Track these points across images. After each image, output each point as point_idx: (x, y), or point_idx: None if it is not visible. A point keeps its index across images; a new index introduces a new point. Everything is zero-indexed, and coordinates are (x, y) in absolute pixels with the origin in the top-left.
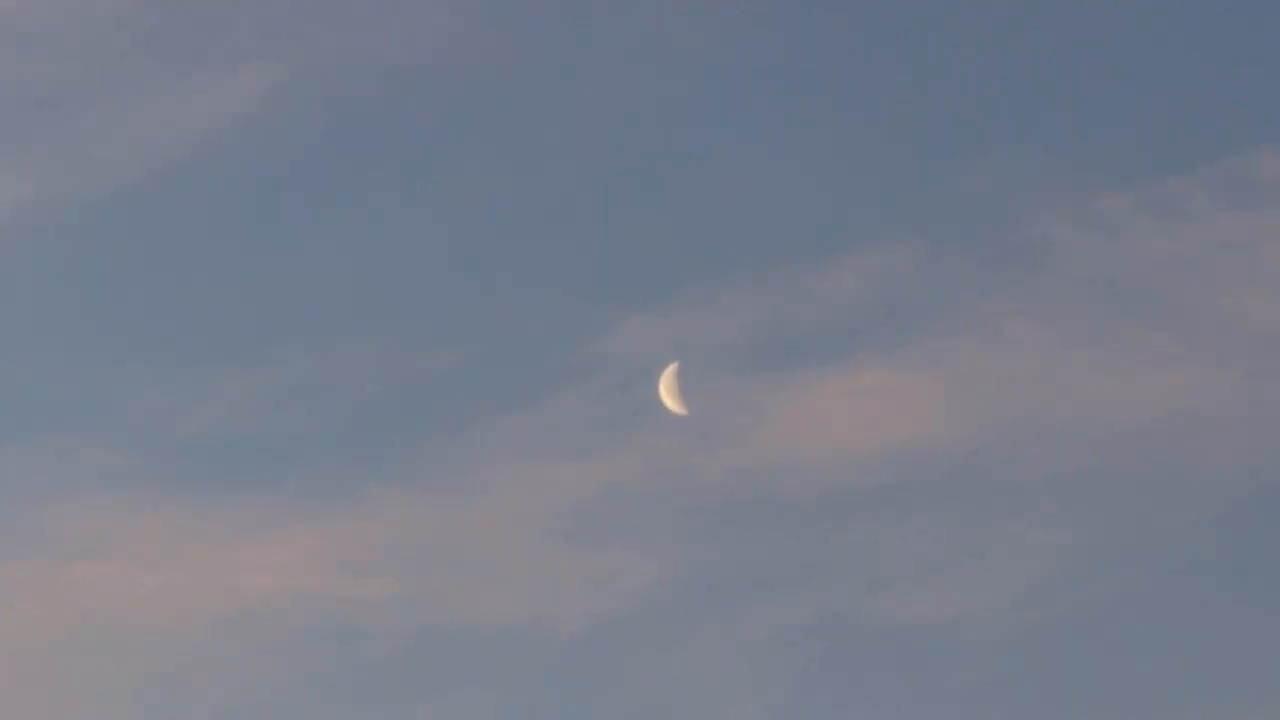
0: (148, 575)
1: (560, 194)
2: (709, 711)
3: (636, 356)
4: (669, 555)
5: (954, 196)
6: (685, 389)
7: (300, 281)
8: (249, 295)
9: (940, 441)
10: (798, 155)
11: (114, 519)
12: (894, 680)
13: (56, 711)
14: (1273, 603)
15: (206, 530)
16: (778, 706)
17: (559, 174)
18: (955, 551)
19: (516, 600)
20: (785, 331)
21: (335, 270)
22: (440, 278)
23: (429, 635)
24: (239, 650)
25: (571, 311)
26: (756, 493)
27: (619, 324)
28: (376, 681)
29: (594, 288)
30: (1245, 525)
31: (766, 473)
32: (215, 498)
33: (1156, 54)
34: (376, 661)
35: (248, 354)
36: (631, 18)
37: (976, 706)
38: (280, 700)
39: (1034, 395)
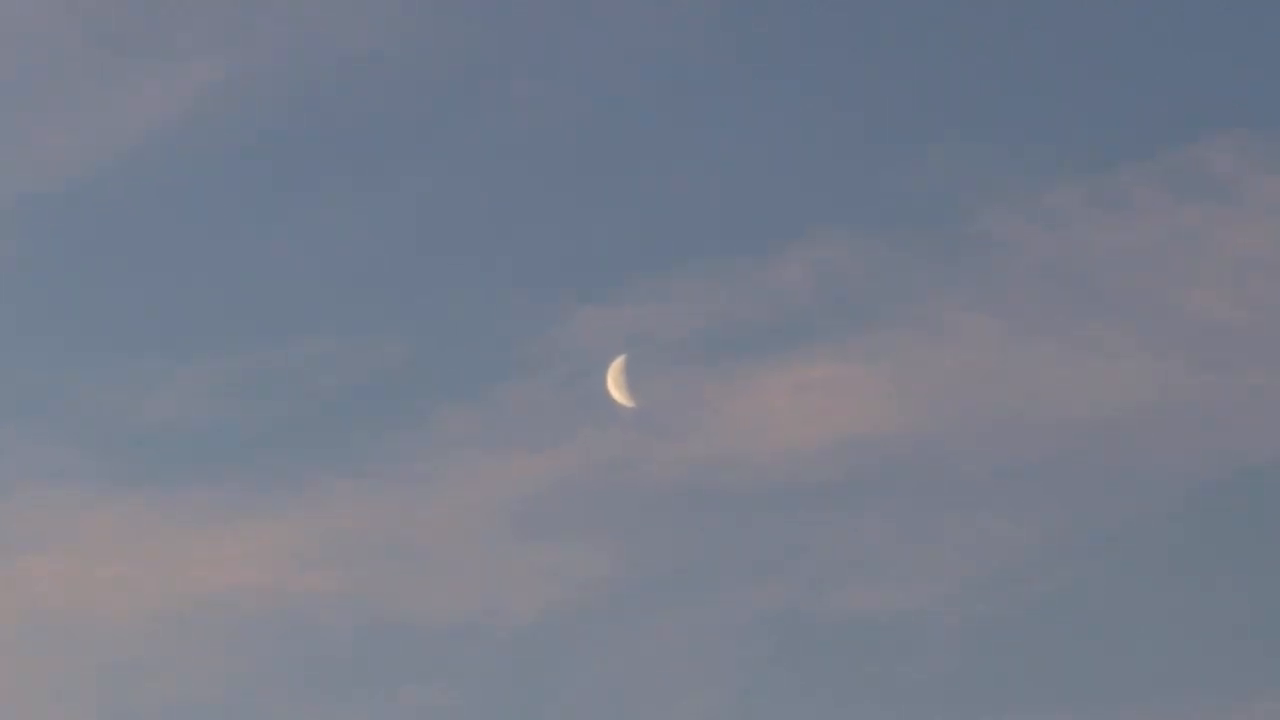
0: (97, 569)
1: (510, 186)
2: (661, 703)
3: (586, 349)
4: (620, 548)
5: (903, 189)
6: (634, 382)
7: (250, 275)
8: (199, 289)
9: (890, 434)
10: (747, 148)
11: (63, 512)
12: (846, 672)
13: (3, 704)
14: (1225, 594)
15: (156, 524)
16: (729, 698)
17: (509, 166)
18: (906, 543)
19: (466, 593)
20: (734, 324)
21: (285, 263)
22: (389, 270)
23: (377, 629)
24: (189, 644)
25: (521, 303)
26: (706, 486)
27: (569, 316)
28: (327, 675)
29: (544, 280)
30: (1197, 516)
31: (716, 465)
32: (165, 491)
33: (1105, 47)
34: (327, 655)
35: (198, 347)
36: (584, 10)
37: (930, 698)
38: (230, 693)
39: (984, 387)
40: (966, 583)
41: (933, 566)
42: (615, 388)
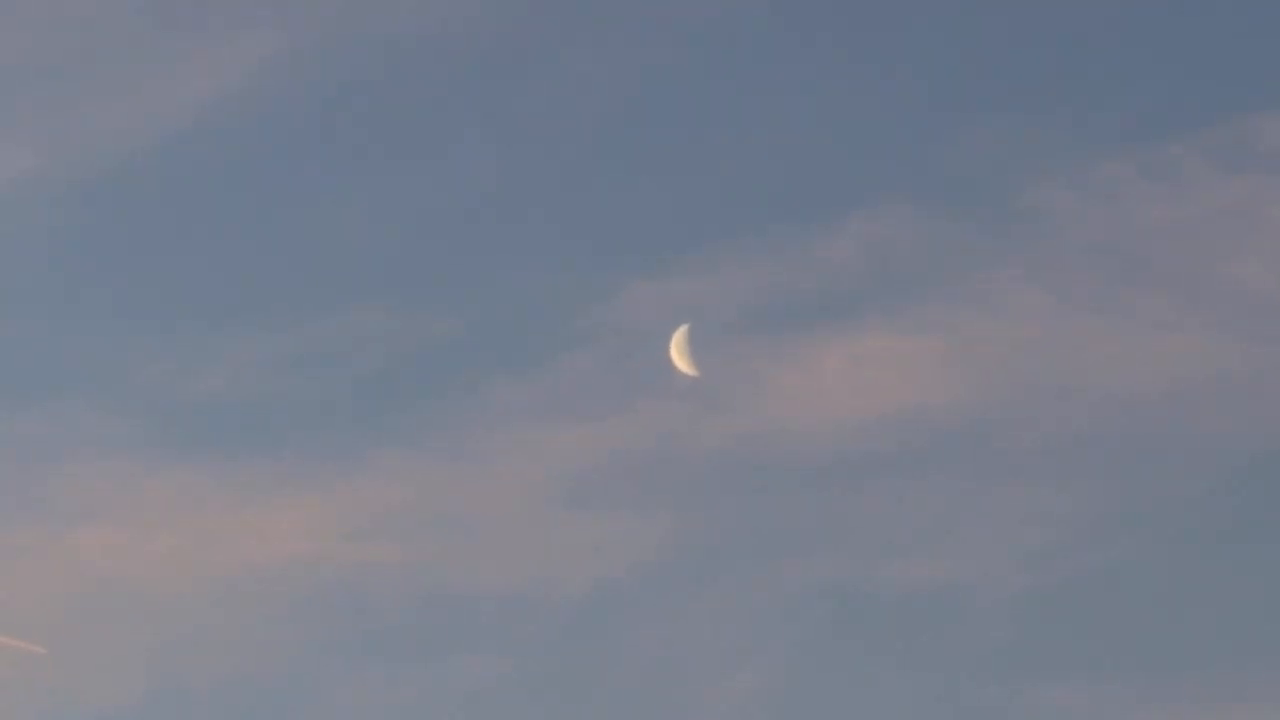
0: (151, 540)
1: (562, 161)
2: (711, 674)
3: (638, 322)
4: (671, 521)
5: (954, 164)
6: (690, 354)
7: (303, 248)
8: (251, 262)
9: (941, 407)
10: (800, 122)
11: (118, 484)
12: (896, 645)
13: (60, 675)
14: (1272, 569)
15: (210, 495)
16: (779, 672)
17: (561, 141)
18: (957, 516)
19: (519, 565)
20: (787, 297)
21: (337, 237)
22: (443, 243)
23: (431, 600)
24: (242, 615)
25: (573, 277)
26: (758, 459)
27: (620, 290)
28: (378, 646)
29: (595, 254)
30: (1244, 490)
31: (768, 439)
32: (219, 463)
33: (1156, 20)
34: (378, 627)
35: (251, 320)
36: None
37: (978, 671)
38: (282, 664)
39: (1034, 361)
40: (1016, 555)
41: (983, 539)
42: (679, 357)
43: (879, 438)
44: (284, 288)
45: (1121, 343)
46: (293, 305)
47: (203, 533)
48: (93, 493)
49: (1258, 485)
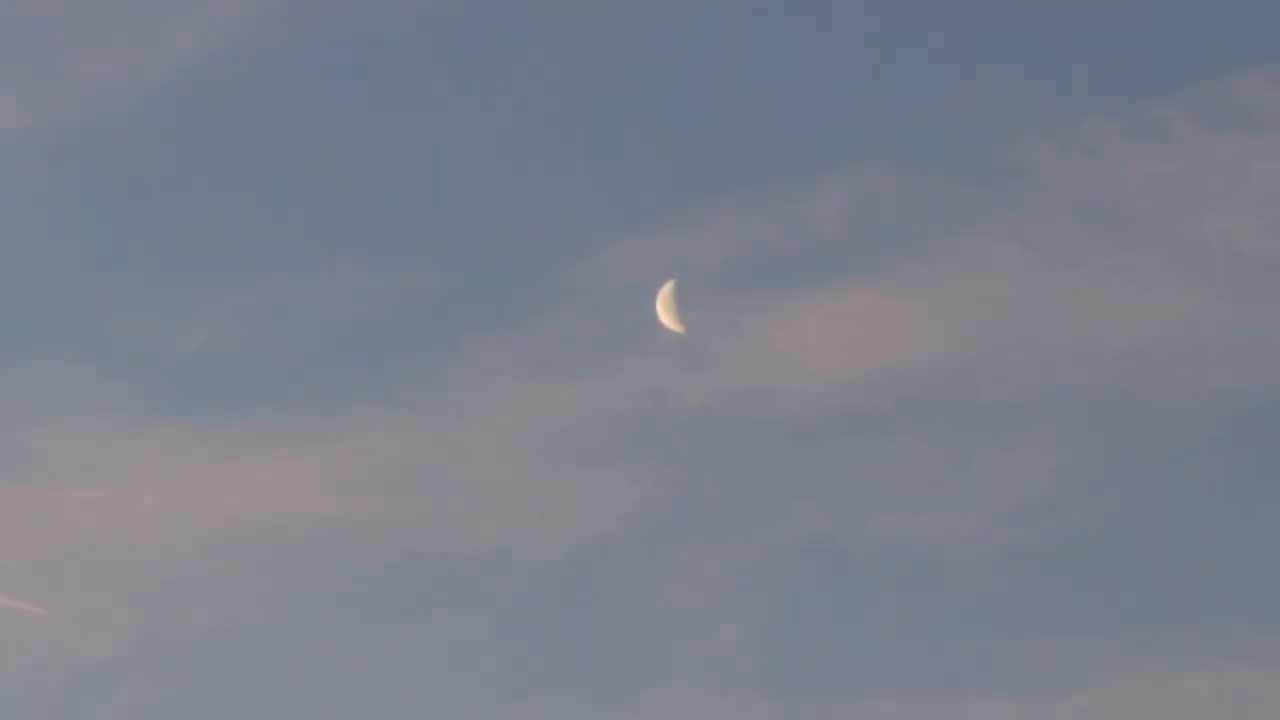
0: (135, 497)
1: (546, 116)
2: (693, 633)
3: (621, 279)
4: (653, 477)
5: (938, 120)
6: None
7: (286, 204)
8: (235, 218)
9: (924, 363)
10: (782, 79)
11: (100, 442)
12: (878, 600)
13: (45, 630)
14: (1256, 523)
15: (193, 452)
16: (762, 627)
17: (545, 96)
18: (940, 472)
19: (502, 521)
20: (770, 255)
21: (321, 193)
22: (426, 199)
23: (414, 555)
24: (225, 570)
25: (556, 233)
26: (741, 415)
27: (603, 246)
28: (361, 601)
29: (579, 210)
30: (1226, 446)
31: (751, 395)
32: (201, 419)
33: None
34: (361, 582)
35: (234, 277)
36: None
37: (960, 626)
38: (266, 619)
39: (1018, 317)
40: (1000, 511)
41: (966, 495)
42: (665, 313)
43: (861, 394)
44: (267, 244)
45: (1104, 299)
46: (275, 261)
47: (186, 489)
48: (75, 450)
49: (1239, 441)
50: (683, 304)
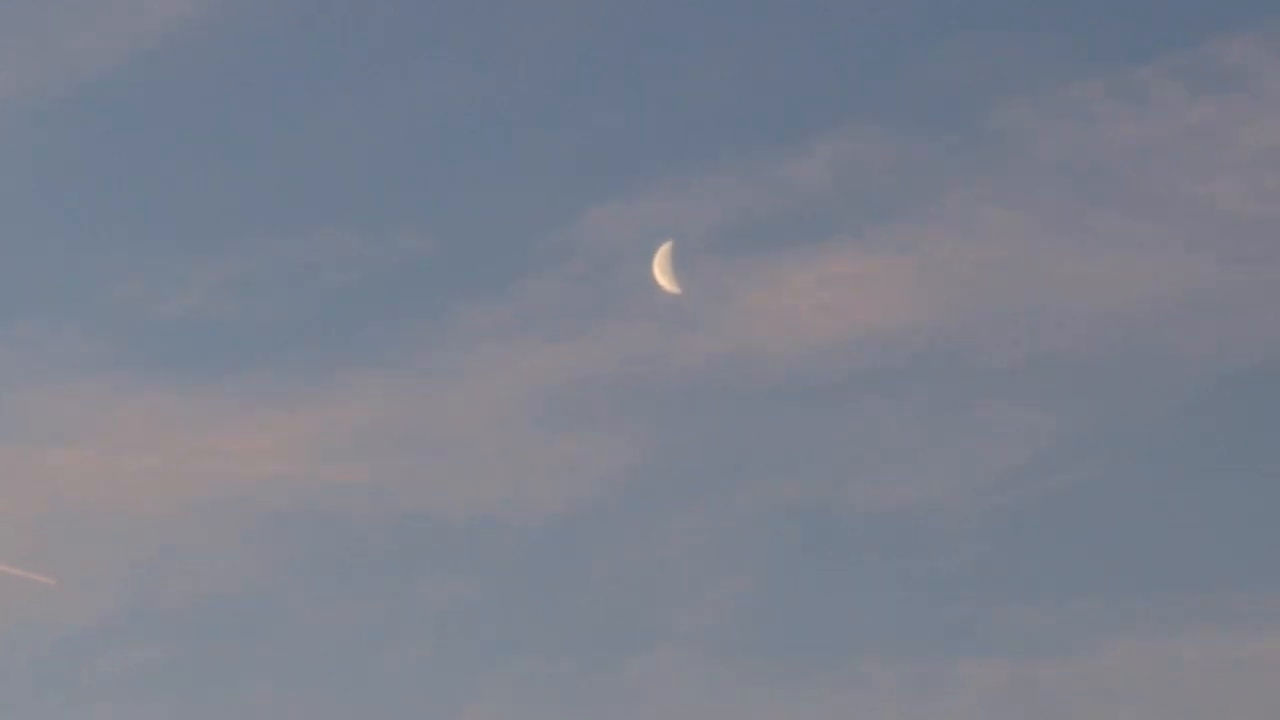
0: (123, 460)
1: (533, 81)
2: (684, 594)
3: (607, 243)
4: (642, 440)
5: (923, 83)
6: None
7: (271, 169)
8: (223, 184)
9: (912, 327)
10: (767, 42)
11: (89, 405)
12: (868, 565)
13: (33, 595)
14: (1243, 486)
15: (181, 416)
16: (750, 591)
17: (532, 61)
18: (929, 436)
19: (491, 485)
20: (756, 218)
21: (306, 158)
22: (413, 163)
23: (401, 520)
24: (214, 535)
25: (542, 197)
26: (729, 379)
27: (589, 210)
28: (349, 565)
29: (564, 174)
30: (1214, 409)
31: (738, 359)
32: (189, 384)
33: None
34: (350, 546)
35: (220, 241)
36: None
37: (949, 589)
38: (254, 583)
39: (1005, 280)
40: (989, 475)
41: (955, 459)
42: (661, 274)
43: (848, 358)
44: (252, 208)
45: (1090, 262)
46: (261, 226)
47: (174, 453)
48: (64, 414)
49: (1227, 404)
50: (674, 267)
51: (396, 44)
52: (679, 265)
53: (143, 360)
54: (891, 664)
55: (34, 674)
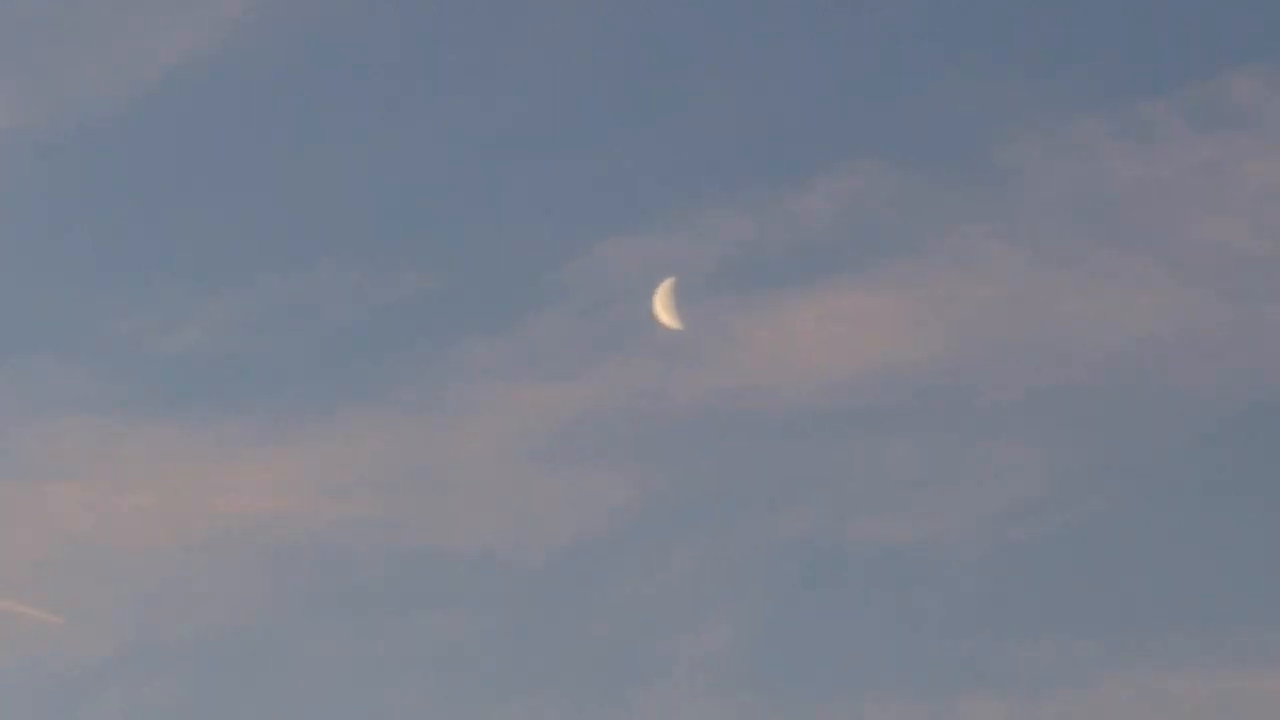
0: (125, 496)
1: (534, 116)
2: (686, 631)
3: (612, 279)
4: (645, 477)
5: (926, 119)
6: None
7: (277, 204)
8: (223, 218)
9: (916, 363)
10: (770, 78)
11: (91, 441)
12: (872, 600)
13: (36, 631)
14: (1247, 524)
15: (184, 452)
16: (754, 628)
17: (533, 96)
18: (932, 472)
19: (492, 521)
20: (759, 254)
21: (310, 193)
22: (417, 198)
23: (405, 556)
24: (217, 571)
25: (545, 234)
26: (732, 415)
27: (592, 247)
28: (353, 601)
29: (567, 210)
30: (1218, 447)
31: (742, 395)
32: (192, 420)
33: None
34: (352, 581)
35: (223, 277)
36: None
37: (954, 626)
38: (258, 619)
39: (1009, 317)
40: (992, 511)
41: (958, 495)
42: (663, 310)
43: (852, 394)
44: (255, 244)
45: (1095, 299)
46: (265, 260)
47: (177, 489)
48: (66, 450)
49: (1231, 442)
50: (676, 303)
51: (399, 82)
52: (681, 301)
53: (145, 396)
54: (894, 699)
55: (36, 711)
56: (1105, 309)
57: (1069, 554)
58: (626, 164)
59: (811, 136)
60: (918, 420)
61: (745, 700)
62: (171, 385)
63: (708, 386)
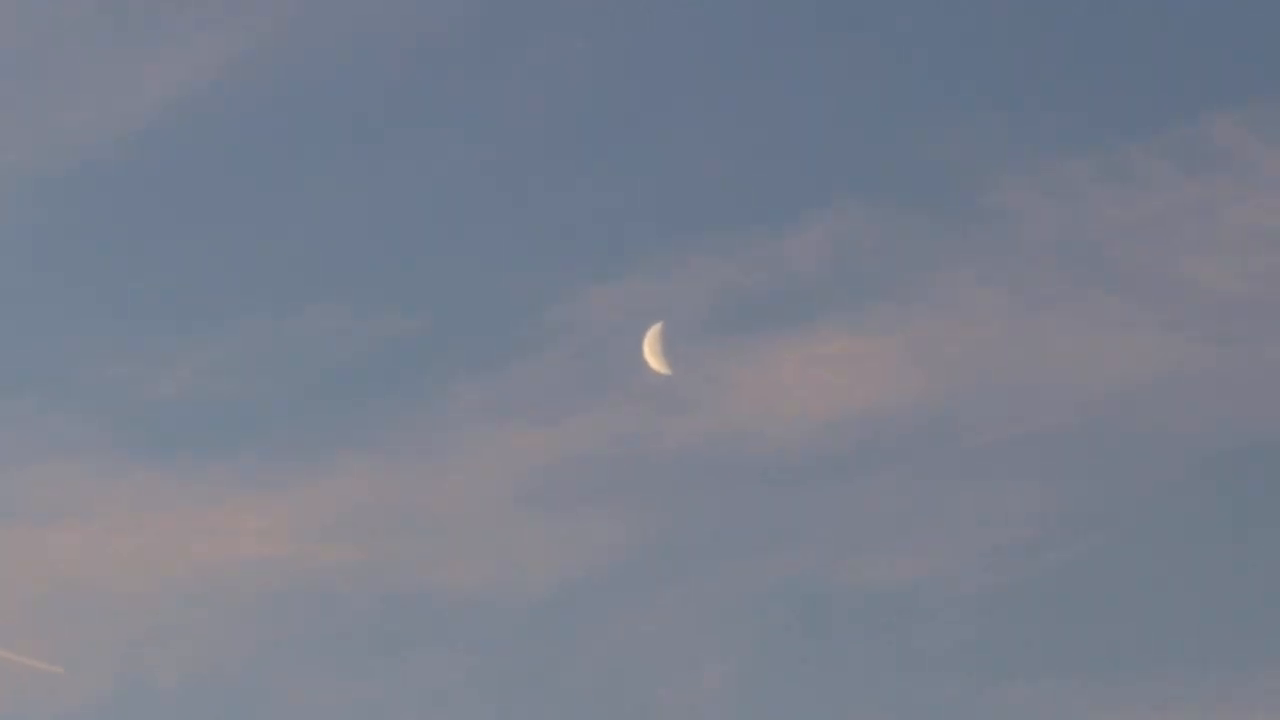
0: (115, 541)
1: (521, 160)
2: (675, 676)
3: (599, 323)
4: (633, 521)
5: (912, 162)
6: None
7: (261, 249)
8: (210, 262)
9: (903, 407)
10: (756, 121)
11: (81, 486)
12: (861, 643)
13: (26, 675)
14: (1235, 566)
15: (172, 497)
16: (743, 671)
17: (520, 140)
18: (920, 515)
19: (482, 566)
20: (746, 298)
21: (296, 237)
22: (404, 243)
23: (395, 601)
24: (205, 616)
25: (532, 278)
26: (720, 459)
27: (579, 291)
28: (342, 645)
29: (554, 255)
30: (1207, 487)
31: (729, 439)
32: (181, 464)
33: (1113, 21)
34: (342, 627)
35: (210, 321)
36: None
37: (944, 670)
38: (247, 664)
39: (995, 360)
40: (979, 554)
41: (946, 538)
42: (652, 355)
43: (840, 437)
44: (243, 289)
45: (1080, 342)
46: (252, 305)
47: (165, 534)
48: (53, 494)
49: (1218, 483)
50: (664, 348)
51: (385, 125)
52: (669, 346)
53: (133, 441)
54: None
55: None
56: (1090, 351)
57: (1057, 596)
58: (612, 208)
59: (797, 179)
60: (905, 463)
61: None
62: (159, 430)
63: (695, 431)
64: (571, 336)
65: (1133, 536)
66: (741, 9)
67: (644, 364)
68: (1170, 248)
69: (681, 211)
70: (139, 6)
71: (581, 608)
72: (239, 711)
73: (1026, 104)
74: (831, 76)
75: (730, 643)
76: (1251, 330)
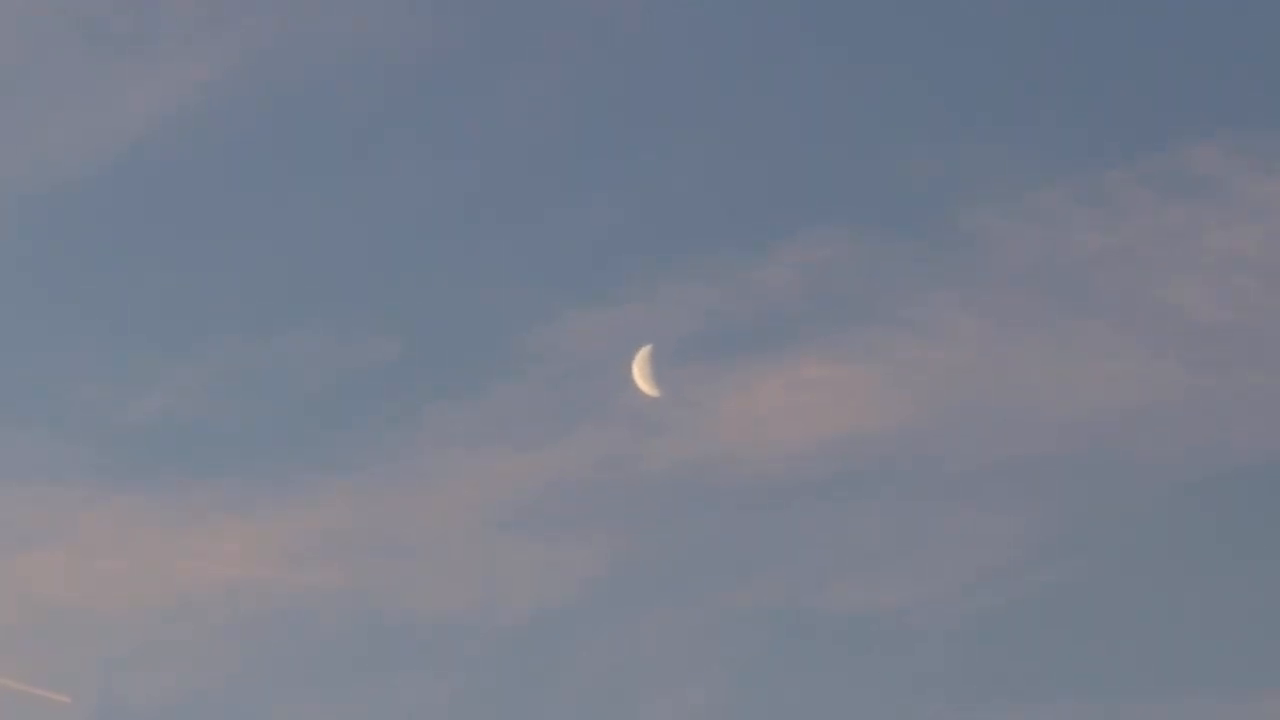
0: (93, 565)
1: (500, 184)
2: (653, 700)
3: (579, 347)
4: (612, 545)
5: (892, 189)
6: (628, 381)
7: (240, 271)
8: (188, 286)
9: (882, 432)
10: (738, 146)
11: (59, 509)
12: (840, 669)
13: (3, 698)
14: (1214, 590)
15: (149, 520)
16: (723, 696)
17: (500, 164)
18: (899, 540)
19: (459, 589)
20: (725, 324)
21: (275, 260)
22: (382, 267)
23: (371, 624)
24: (183, 639)
25: (512, 303)
26: (699, 484)
27: (561, 315)
28: (319, 670)
29: (534, 279)
30: (1187, 512)
31: (709, 465)
32: (160, 488)
33: (1091, 47)
34: (319, 650)
35: (188, 344)
36: (579, 5)
37: (923, 695)
38: (225, 687)
39: (973, 385)
40: (960, 579)
41: (926, 563)
42: (641, 378)
43: (820, 463)
44: (222, 311)
45: (1059, 368)
46: (231, 327)
47: (143, 558)
48: (32, 518)
49: (1198, 508)
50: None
51: (365, 147)
52: (654, 370)
53: (110, 465)
54: None
55: None
56: (1070, 376)
57: (1038, 621)
58: (592, 232)
59: (775, 205)
60: (885, 488)
61: None
62: (138, 452)
63: (676, 455)
64: (552, 361)
65: (1115, 561)
66: (725, 35)
67: (624, 388)
68: (1150, 274)
69: (663, 236)
70: (121, 26)
71: (562, 632)
72: None
73: (1006, 130)
74: (813, 102)
75: (712, 667)
76: (1231, 356)
